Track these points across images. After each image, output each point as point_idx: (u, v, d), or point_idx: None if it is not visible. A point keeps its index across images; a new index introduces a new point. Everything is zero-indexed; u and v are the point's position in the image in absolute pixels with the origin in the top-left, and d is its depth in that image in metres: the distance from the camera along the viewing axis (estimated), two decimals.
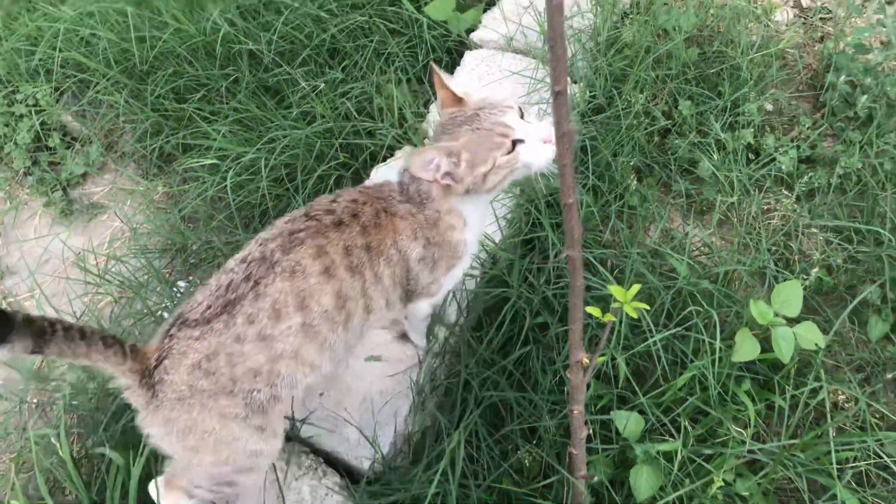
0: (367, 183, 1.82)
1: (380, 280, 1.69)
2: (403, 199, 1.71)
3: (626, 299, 1.55)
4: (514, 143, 1.61)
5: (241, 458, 1.58)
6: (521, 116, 1.66)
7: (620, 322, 2.05)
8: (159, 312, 2.32)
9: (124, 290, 2.42)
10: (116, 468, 1.92)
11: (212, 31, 2.69)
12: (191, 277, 2.58)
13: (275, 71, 2.69)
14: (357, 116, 2.54)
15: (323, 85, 2.57)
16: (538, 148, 1.62)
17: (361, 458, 1.96)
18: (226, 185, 2.31)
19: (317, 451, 2.01)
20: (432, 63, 1.73)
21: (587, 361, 1.62)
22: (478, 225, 1.82)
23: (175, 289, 2.50)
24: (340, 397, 2.04)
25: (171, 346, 1.48)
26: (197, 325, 1.48)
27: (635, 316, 1.52)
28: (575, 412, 1.70)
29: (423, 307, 1.94)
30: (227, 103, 2.64)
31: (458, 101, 1.72)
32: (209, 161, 2.37)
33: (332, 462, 2.01)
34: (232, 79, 2.73)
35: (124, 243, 2.73)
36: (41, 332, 1.31)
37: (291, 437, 1.98)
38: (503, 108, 1.65)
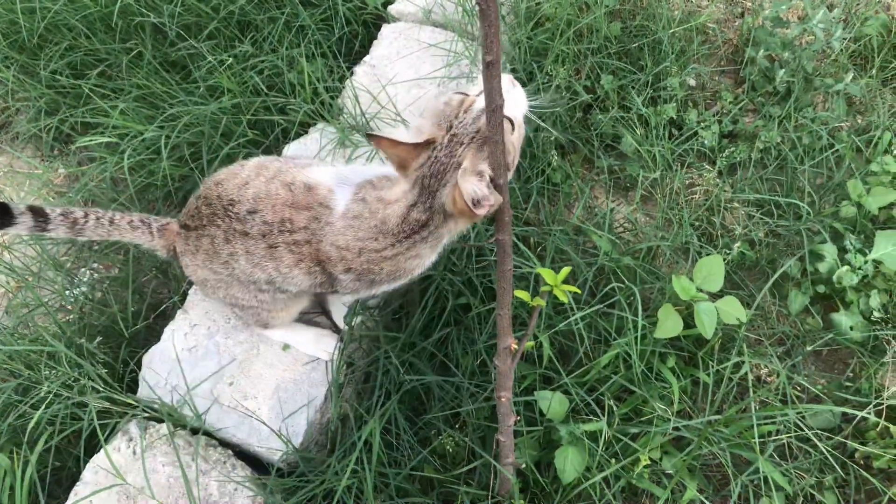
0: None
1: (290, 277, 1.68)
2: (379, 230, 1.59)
3: (555, 282, 1.49)
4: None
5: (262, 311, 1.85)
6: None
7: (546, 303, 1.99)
8: (54, 302, 2.16)
9: (19, 281, 2.25)
10: (3, 471, 1.77)
11: (109, 1, 2.51)
12: (95, 265, 2.42)
13: (179, 45, 2.53)
14: (267, 92, 2.40)
15: (231, 59, 2.42)
16: (514, 96, 1.48)
17: (273, 449, 1.85)
18: (124, 166, 2.15)
19: (226, 444, 1.89)
20: (370, 134, 1.48)
21: (515, 347, 1.56)
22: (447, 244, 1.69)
23: (77, 278, 2.33)
24: (250, 386, 1.93)
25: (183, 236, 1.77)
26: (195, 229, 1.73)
27: (565, 300, 1.46)
28: (503, 399, 1.63)
29: (346, 297, 1.85)
30: (128, 79, 2.47)
31: (418, 148, 1.48)
32: (105, 139, 2.20)
33: (244, 455, 1.89)
34: (134, 53, 2.55)
35: None
36: (75, 222, 1.73)
37: (197, 430, 1.86)
38: (458, 99, 1.47)
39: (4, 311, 2.17)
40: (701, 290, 1.99)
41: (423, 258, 1.65)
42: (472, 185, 1.37)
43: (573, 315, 1.94)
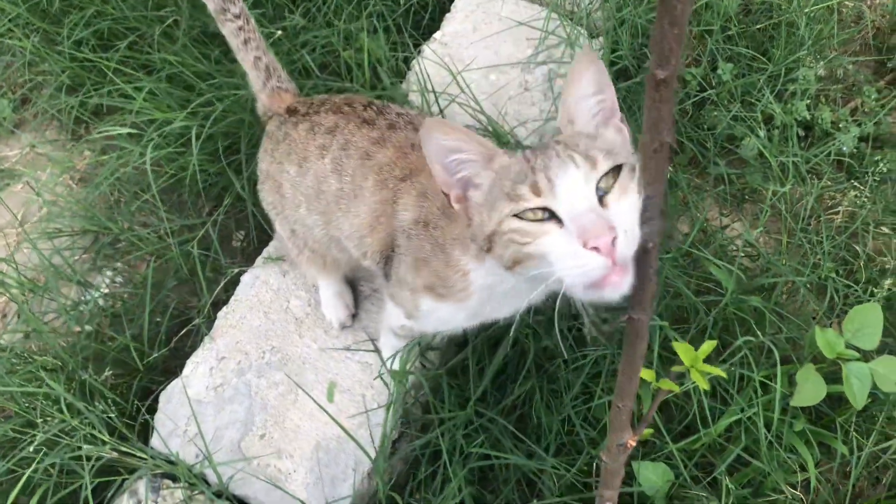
0: None
1: (357, 198, 1.38)
2: None
3: (694, 361, 1.11)
4: (549, 214, 0.96)
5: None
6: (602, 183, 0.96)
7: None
8: (61, 320, 1.84)
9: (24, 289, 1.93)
10: None
11: None
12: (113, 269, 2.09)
13: None
14: (319, 74, 2.02)
15: (280, 33, 2.04)
16: (574, 251, 0.91)
17: None
18: (146, 160, 1.80)
19: None
20: None
21: (633, 444, 1.18)
22: (489, 295, 1.24)
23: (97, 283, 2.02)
24: (285, 441, 1.58)
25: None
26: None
27: (706, 388, 1.08)
28: (608, 502, 1.26)
29: (394, 315, 1.47)
30: (159, 54, 2.11)
31: None
32: (123, 130, 1.86)
33: None
34: (168, 22, 2.19)
35: (38, 223, 2.22)
36: (224, 10, 1.55)
37: (220, 494, 1.52)
38: (560, 152, 0.99)
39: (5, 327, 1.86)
40: (851, 346, 1.57)
41: (465, 252, 1.21)
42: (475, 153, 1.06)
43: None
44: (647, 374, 1.14)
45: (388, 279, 1.42)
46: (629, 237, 0.89)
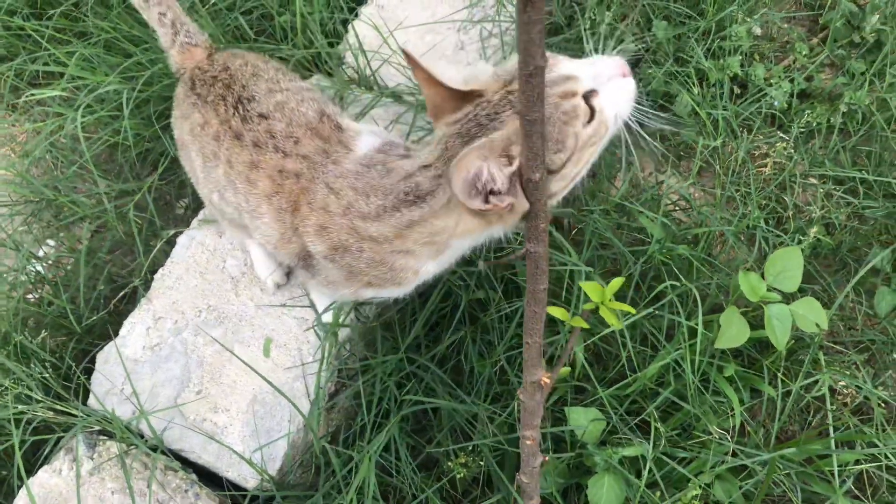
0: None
1: (259, 219, 1.36)
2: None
3: (603, 298, 1.15)
4: (587, 98, 1.11)
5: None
6: None
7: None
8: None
9: None
10: None
11: None
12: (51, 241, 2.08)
13: None
14: (256, 38, 2.02)
15: None
16: (619, 87, 1.14)
17: (247, 475, 1.53)
18: (77, 125, 1.79)
19: (190, 464, 1.58)
20: (408, 54, 1.10)
21: (547, 381, 1.21)
22: (456, 257, 1.32)
23: (36, 252, 2.01)
24: (222, 396, 1.60)
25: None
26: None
27: (618, 326, 1.11)
28: (528, 441, 1.29)
29: (321, 302, 1.52)
30: (93, 21, 2.10)
31: (462, 98, 1.13)
32: (55, 93, 1.85)
33: (212, 476, 1.58)
34: None
35: None
36: None
37: (155, 448, 1.54)
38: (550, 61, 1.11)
39: None
40: (773, 289, 1.62)
41: (416, 259, 1.26)
42: (480, 162, 1.01)
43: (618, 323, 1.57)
44: (558, 312, 1.18)
45: (311, 274, 1.41)
46: None
